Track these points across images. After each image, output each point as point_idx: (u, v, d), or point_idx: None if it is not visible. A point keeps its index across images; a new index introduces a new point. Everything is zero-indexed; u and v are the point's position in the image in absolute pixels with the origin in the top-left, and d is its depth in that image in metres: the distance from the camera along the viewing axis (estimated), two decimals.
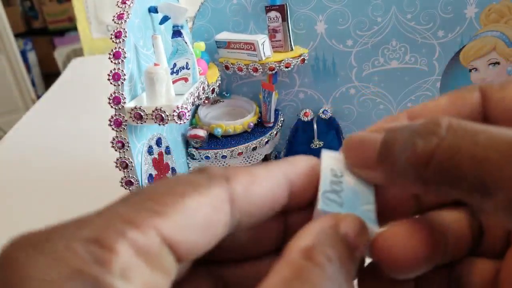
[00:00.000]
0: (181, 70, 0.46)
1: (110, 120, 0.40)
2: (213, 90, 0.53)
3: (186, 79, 0.47)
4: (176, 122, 0.40)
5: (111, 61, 0.39)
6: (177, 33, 0.45)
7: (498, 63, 0.56)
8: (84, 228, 0.11)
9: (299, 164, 0.17)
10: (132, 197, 0.13)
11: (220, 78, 0.56)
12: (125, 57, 0.39)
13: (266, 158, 0.63)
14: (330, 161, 0.18)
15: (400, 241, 0.15)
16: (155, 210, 0.12)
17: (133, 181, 0.42)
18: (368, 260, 0.17)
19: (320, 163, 0.18)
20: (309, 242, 0.14)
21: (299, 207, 0.17)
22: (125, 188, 0.42)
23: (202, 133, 0.55)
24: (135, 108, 0.39)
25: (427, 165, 0.14)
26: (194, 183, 0.14)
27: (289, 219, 0.18)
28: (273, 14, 0.55)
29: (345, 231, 0.15)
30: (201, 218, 0.13)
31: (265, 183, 0.16)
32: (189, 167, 0.58)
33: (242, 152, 0.56)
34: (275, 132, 0.61)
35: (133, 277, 0.11)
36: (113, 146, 0.40)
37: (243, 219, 0.15)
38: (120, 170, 0.41)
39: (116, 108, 0.39)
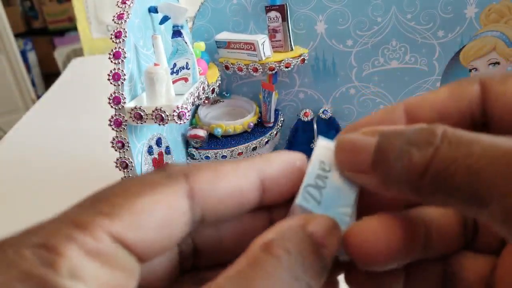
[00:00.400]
0: (181, 70, 0.46)
1: (110, 120, 0.40)
2: (213, 90, 0.53)
3: (186, 79, 0.47)
4: (176, 122, 0.40)
5: (111, 61, 0.39)
6: (177, 33, 0.45)
7: (498, 63, 0.56)
8: (34, 234, 0.12)
9: (275, 160, 0.17)
10: (85, 200, 0.13)
11: (220, 78, 0.56)
12: (125, 57, 0.39)
13: None
14: (323, 152, 0.17)
15: (370, 236, 0.15)
16: (104, 211, 0.13)
17: None
18: None
19: (313, 151, 0.17)
20: (271, 237, 0.14)
21: (279, 204, 0.17)
22: None
23: (202, 133, 0.55)
24: (135, 108, 0.39)
25: (423, 175, 0.14)
26: (151, 182, 0.14)
27: (275, 218, 0.18)
28: (273, 14, 0.55)
29: (312, 230, 0.15)
30: (156, 216, 0.13)
31: (229, 178, 0.15)
32: None
33: (242, 152, 0.56)
34: (275, 132, 0.61)
35: (85, 276, 0.12)
36: (113, 146, 0.40)
37: (208, 216, 0.15)
38: (120, 170, 0.41)
39: (116, 108, 0.39)
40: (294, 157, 0.17)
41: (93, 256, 0.12)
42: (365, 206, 0.17)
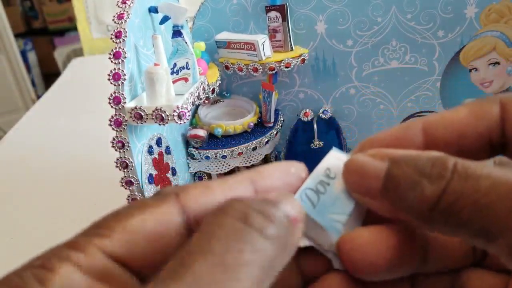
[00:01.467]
0: (181, 70, 0.46)
1: (110, 120, 0.40)
2: (213, 90, 0.53)
3: (186, 79, 0.47)
4: (176, 122, 0.40)
5: (111, 61, 0.39)
6: (177, 33, 0.45)
7: (498, 63, 0.56)
8: (37, 259, 0.14)
9: (268, 169, 0.17)
10: (82, 229, 0.15)
11: (220, 78, 0.56)
12: (125, 57, 0.39)
13: (266, 158, 0.63)
14: (332, 161, 0.17)
15: (359, 245, 0.16)
16: (97, 233, 0.14)
17: (133, 181, 0.42)
18: None
19: (322, 159, 0.18)
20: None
21: None
22: (125, 188, 0.42)
23: (202, 133, 0.55)
24: (135, 108, 0.39)
25: (433, 207, 0.14)
26: (142, 204, 0.15)
27: None
28: (273, 14, 0.55)
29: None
30: (145, 233, 0.14)
31: (219, 191, 0.16)
32: (189, 167, 0.58)
33: (242, 152, 0.56)
34: (275, 132, 0.61)
35: None
36: (113, 146, 0.40)
37: None
38: (120, 170, 0.41)
39: (116, 108, 0.39)
40: (289, 164, 0.17)
41: (87, 271, 0.13)
42: (372, 217, 0.17)
